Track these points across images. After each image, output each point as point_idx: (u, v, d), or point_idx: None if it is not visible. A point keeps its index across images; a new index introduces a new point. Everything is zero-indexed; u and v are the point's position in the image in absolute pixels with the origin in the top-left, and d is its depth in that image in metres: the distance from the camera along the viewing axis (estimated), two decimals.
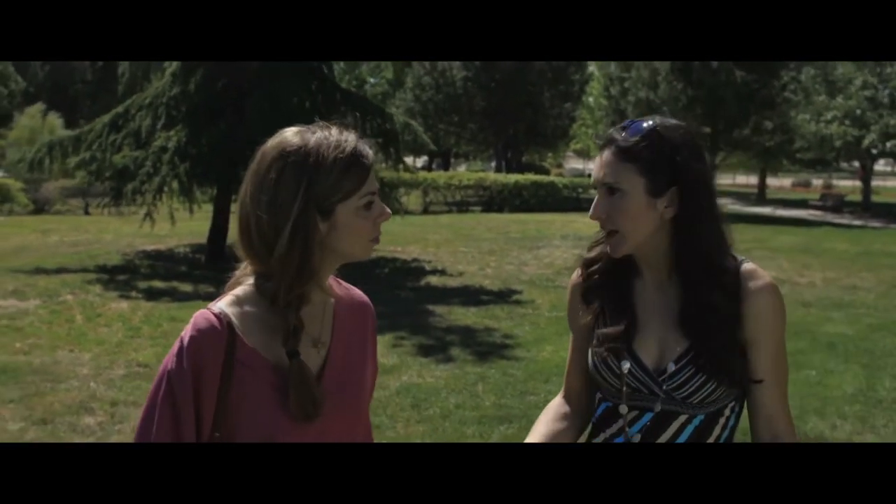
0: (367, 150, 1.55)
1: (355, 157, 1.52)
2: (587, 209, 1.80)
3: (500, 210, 27.40)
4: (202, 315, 1.53)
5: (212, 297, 7.61)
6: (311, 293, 1.56)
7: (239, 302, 1.56)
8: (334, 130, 1.54)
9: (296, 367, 1.51)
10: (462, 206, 28.82)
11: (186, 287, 11.12)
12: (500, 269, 13.06)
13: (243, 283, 1.60)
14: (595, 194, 1.77)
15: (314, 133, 1.53)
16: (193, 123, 12.45)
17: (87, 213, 25.52)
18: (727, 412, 1.75)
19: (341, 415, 1.59)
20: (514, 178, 30.18)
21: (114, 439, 5.19)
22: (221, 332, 1.50)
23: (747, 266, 1.76)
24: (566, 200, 28.53)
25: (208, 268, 12.79)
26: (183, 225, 14.16)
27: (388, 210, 1.59)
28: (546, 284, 11.67)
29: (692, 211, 1.71)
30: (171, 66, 13.32)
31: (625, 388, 1.76)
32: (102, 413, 5.70)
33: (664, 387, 1.73)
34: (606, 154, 1.74)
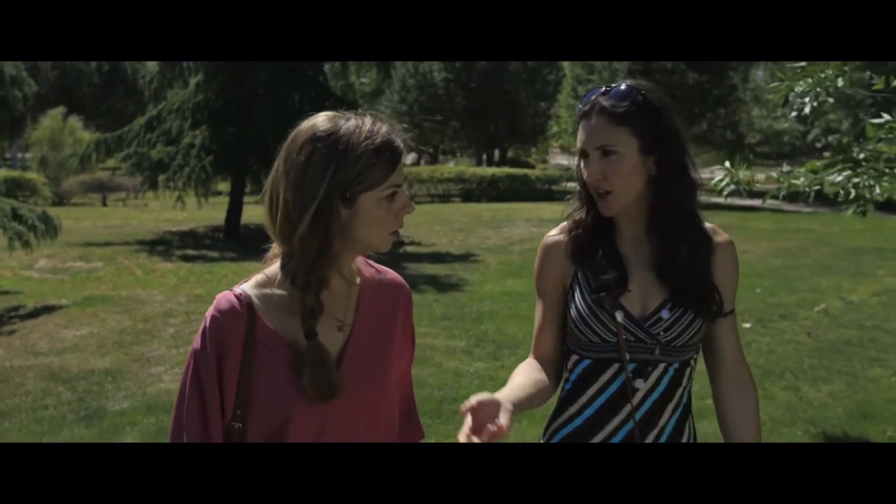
0: (398, 143, 1.56)
1: (384, 148, 1.53)
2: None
3: (478, 200, 29.80)
4: (224, 296, 1.58)
5: (235, 262, 12.47)
6: (331, 277, 1.58)
7: (264, 283, 1.61)
8: (367, 120, 1.55)
9: (312, 348, 1.54)
10: (444, 198, 31.32)
11: (214, 254, 13.99)
12: (465, 242, 15.92)
13: (274, 264, 1.63)
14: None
15: (348, 120, 1.54)
16: (215, 124, 15.33)
17: (104, 204, 28.45)
18: (692, 363, 1.89)
19: (359, 393, 1.60)
20: (491, 170, 32.92)
21: (194, 327, 8.06)
22: (241, 313, 1.55)
23: (708, 224, 1.93)
24: (539, 192, 31.27)
25: (227, 242, 15.71)
26: (196, 212, 16.96)
27: (412, 204, 1.60)
28: (500, 251, 14.57)
29: (673, 167, 1.82)
30: (196, 77, 16.22)
31: (623, 338, 1.81)
32: (181, 317, 8.60)
33: (657, 334, 1.82)
34: (596, 120, 1.79)
